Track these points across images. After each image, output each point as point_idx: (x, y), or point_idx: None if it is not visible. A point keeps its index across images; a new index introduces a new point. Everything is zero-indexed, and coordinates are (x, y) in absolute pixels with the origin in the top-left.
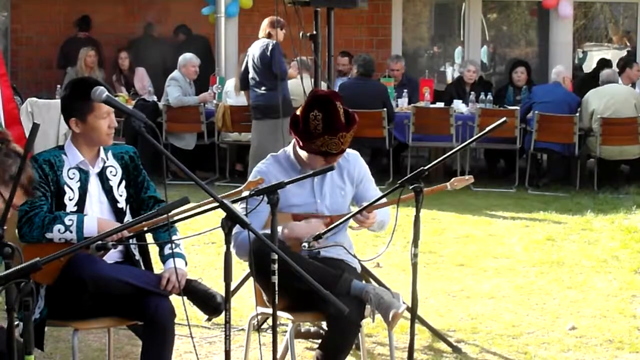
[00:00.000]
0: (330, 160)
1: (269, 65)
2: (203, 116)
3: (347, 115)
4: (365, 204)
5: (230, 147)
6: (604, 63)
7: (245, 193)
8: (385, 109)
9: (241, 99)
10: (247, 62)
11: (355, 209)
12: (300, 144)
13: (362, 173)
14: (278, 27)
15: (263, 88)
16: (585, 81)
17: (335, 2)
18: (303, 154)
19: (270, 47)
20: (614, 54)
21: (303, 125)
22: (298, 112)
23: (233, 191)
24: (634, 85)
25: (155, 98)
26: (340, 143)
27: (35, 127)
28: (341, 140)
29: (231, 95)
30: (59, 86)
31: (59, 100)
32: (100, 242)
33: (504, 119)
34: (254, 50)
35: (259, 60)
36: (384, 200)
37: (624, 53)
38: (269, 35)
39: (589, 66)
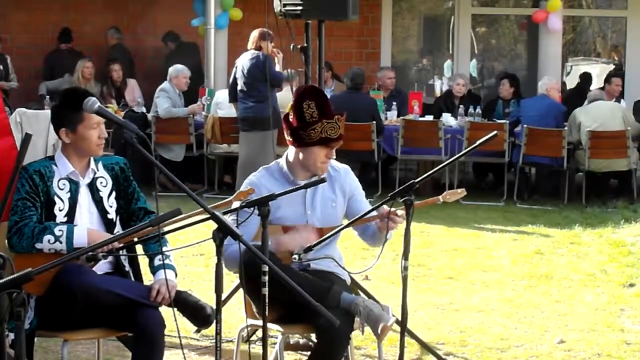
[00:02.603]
0: (331, 147)
1: (258, 77)
2: (192, 128)
3: None
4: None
5: (219, 159)
6: (586, 77)
7: (236, 203)
8: (374, 122)
9: (233, 110)
10: (235, 74)
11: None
12: (297, 141)
13: (354, 187)
14: (268, 40)
15: (252, 100)
16: (572, 96)
17: (326, 14)
18: (300, 155)
19: (261, 59)
20: (602, 68)
21: (297, 118)
22: (288, 109)
23: (222, 201)
24: (619, 99)
25: (144, 109)
26: (338, 127)
27: (27, 138)
28: (338, 123)
29: (222, 106)
30: (47, 97)
31: (48, 111)
32: (90, 253)
33: (495, 132)
34: (243, 62)
35: (248, 72)
36: (375, 213)
37: (611, 67)
38: (259, 48)
39: (575, 80)
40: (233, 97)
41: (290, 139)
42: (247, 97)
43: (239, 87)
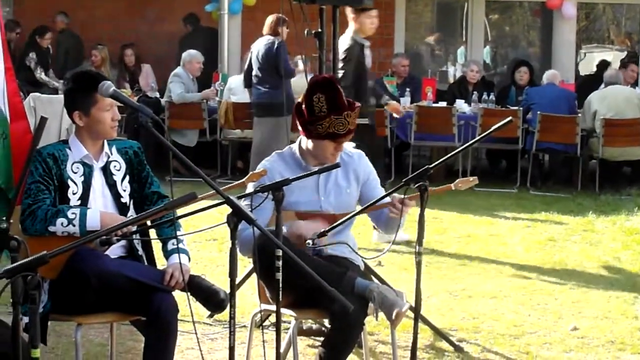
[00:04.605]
0: (339, 142)
1: (273, 63)
2: (205, 113)
3: (347, 100)
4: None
5: (232, 144)
6: (605, 65)
7: (250, 186)
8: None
9: (247, 96)
10: (250, 59)
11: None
12: (306, 132)
13: (368, 172)
14: (284, 26)
15: (266, 85)
16: (587, 83)
17: (341, 0)
18: (310, 145)
19: (275, 46)
20: (615, 56)
21: (307, 111)
22: (300, 99)
23: (235, 183)
24: (634, 85)
25: (157, 94)
26: (347, 123)
27: (42, 121)
28: (347, 119)
29: (236, 92)
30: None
31: (61, 96)
32: (103, 237)
33: (509, 118)
34: (258, 47)
35: (263, 57)
36: (389, 199)
37: (624, 54)
38: (274, 33)
39: (589, 67)
40: (248, 82)
41: (301, 130)
42: (262, 83)
43: (253, 73)
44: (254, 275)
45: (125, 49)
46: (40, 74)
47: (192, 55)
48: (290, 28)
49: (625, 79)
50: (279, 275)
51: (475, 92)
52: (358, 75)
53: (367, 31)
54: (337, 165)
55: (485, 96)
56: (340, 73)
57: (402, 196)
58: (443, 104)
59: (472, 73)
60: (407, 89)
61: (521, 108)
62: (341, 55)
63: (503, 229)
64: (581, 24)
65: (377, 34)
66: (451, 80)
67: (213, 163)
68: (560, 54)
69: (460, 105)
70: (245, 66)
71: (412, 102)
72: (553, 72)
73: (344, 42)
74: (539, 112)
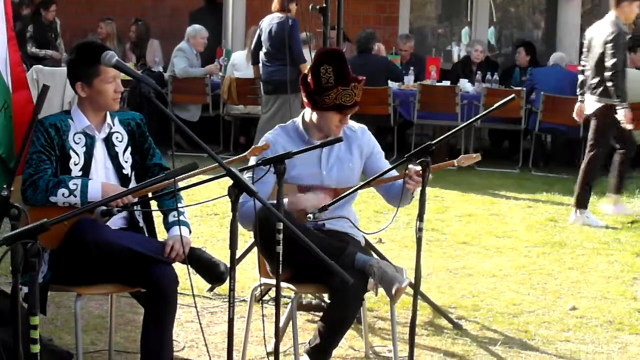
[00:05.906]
0: (344, 114)
1: (285, 40)
2: (209, 88)
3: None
4: (378, 177)
5: (235, 120)
6: None
7: (252, 160)
8: (390, 87)
9: (250, 72)
10: (259, 36)
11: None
12: (312, 103)
13: (372, 146)
14: (293, 2)
15: (277, 63)
16: None
17: None
18: (315, 117)
19: (290, 24)
20: None
21: (314, 81)
22: (307, 71)
23: (237, 157)
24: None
25: (161, 68)
26: (354, 94)
27: (44, 89)
28: (354, 91)
29: (239, 67)
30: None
31: (64, 68)
32: (105, 207)
33: (512, 95)
34: (270, 24)
35: (276, 34)
36: (395, 173)
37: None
38: (284, 10)
39: None
40: (255, 59)
41: (307, 101)
42: (273, 60)
43: (263, 50)
44: (255, 250)
45: (132, 24)
46: (30, 48)
47: (197, 30)
48: (298, 5)
49: (635, 62)
50: (279, 249)
51: (479, 72)
52: (624, 62)
53: (629, 19)
54: (339, 140)
55: (489, 76)
56: (611, 61)
57: (419, 168)
58: (447, 83)
59: (476, 53)
60: (411, 68)
61: (524, 88)
62: (608, 42)
63: (504, 208)
64: (586, 7)
65: (382, 12)
66: (455, 59)
67: (215, 139)
68: (564, 35)
69: (464, 84)
70: (253, 43)
71: (415, 81)
72: (560, 55)
73: (606, 28)
74: (542, 93)
